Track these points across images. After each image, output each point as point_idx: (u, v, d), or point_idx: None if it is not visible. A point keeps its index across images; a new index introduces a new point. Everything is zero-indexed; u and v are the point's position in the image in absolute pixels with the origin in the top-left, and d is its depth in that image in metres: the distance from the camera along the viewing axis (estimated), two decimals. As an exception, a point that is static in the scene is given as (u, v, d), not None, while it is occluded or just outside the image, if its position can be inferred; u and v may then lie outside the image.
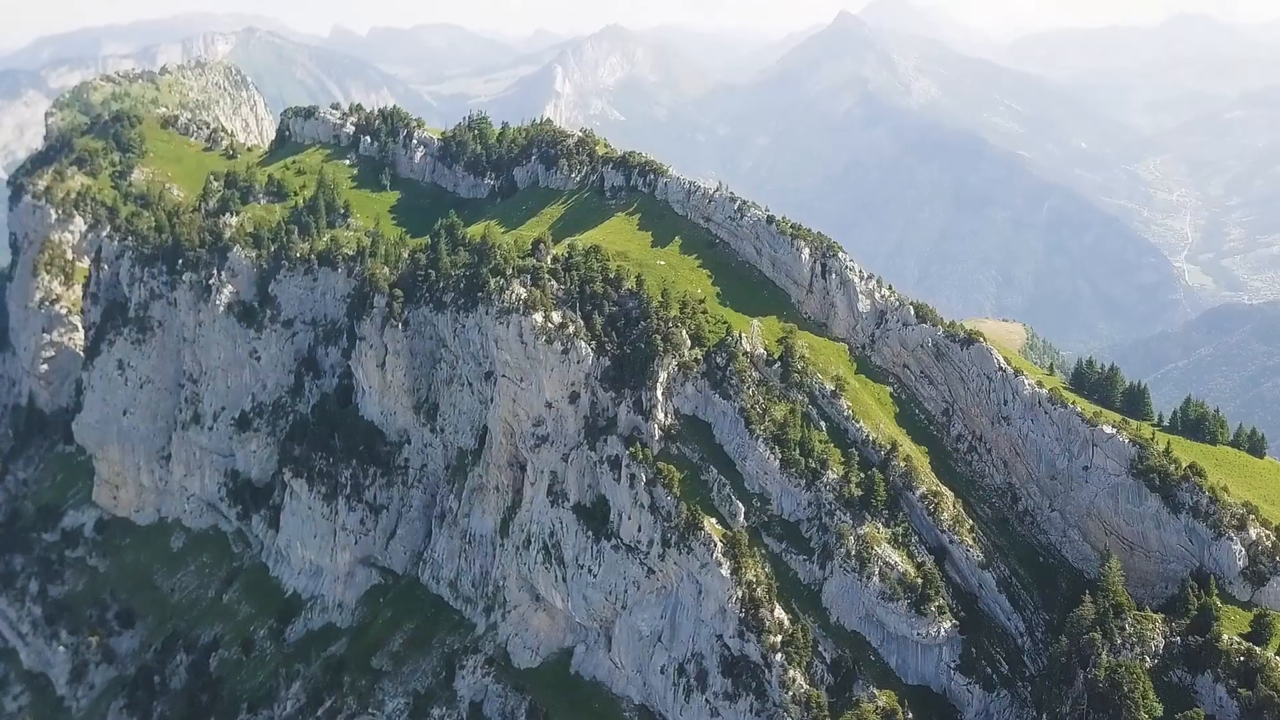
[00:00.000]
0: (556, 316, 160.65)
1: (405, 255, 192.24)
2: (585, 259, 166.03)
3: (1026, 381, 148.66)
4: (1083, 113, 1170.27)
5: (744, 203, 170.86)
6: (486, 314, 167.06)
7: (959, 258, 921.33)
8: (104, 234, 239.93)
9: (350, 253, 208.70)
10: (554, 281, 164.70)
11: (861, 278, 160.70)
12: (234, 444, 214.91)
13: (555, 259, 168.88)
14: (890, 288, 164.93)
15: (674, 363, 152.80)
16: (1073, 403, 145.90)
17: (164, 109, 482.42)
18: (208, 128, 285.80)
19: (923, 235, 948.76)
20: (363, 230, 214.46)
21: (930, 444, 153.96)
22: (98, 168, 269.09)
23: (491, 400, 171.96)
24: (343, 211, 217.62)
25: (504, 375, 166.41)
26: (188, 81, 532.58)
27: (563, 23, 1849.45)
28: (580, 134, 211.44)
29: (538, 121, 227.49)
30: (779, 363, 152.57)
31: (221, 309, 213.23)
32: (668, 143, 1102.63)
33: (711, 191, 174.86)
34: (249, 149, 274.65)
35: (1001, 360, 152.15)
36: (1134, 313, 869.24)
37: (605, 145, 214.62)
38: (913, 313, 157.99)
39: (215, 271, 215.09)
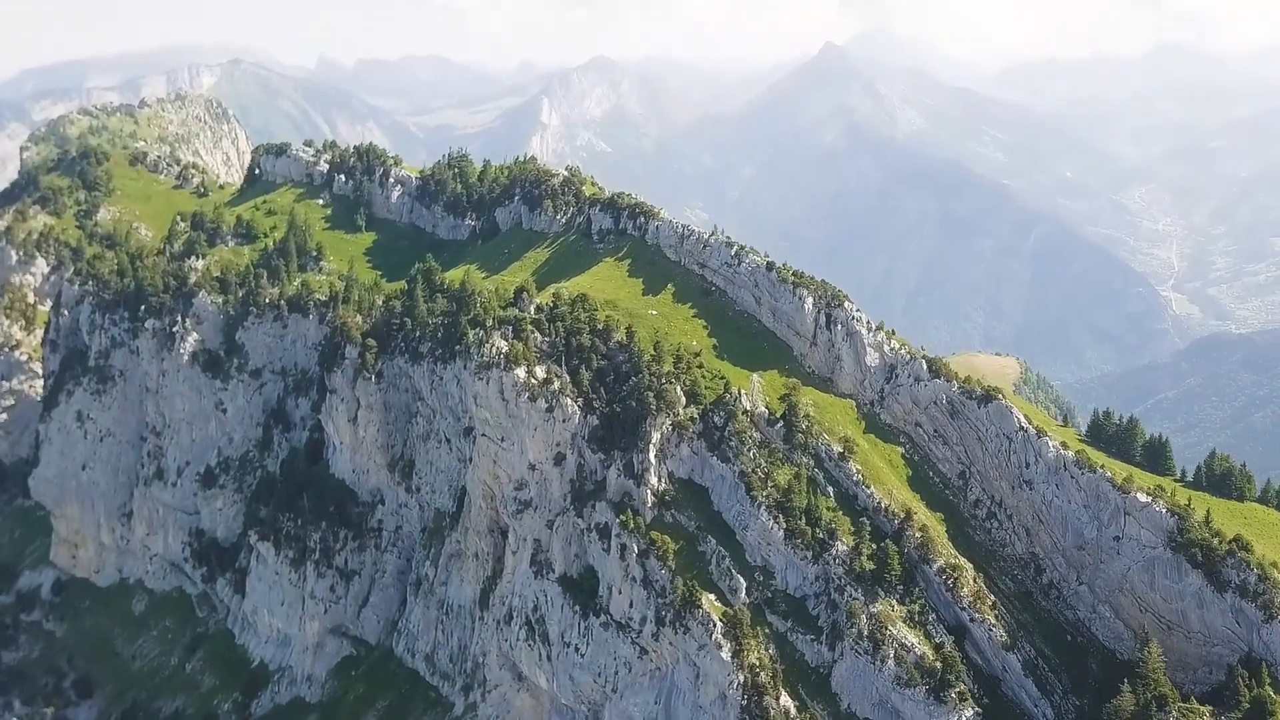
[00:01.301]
0: (540, 372, 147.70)
1: (379, 302, 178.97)
2: (571, 309, 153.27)
3: (1050, 443, 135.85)
4: (1067, 142, 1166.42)
5: (741, 248, 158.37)
6: (465, 368, 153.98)
7: (946, 287, 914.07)
8: (65, 277, 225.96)
9: (322, 298, 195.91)
10: (538, 334, 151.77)
11: (869, 329, 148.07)
12: (199, 501, 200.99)
13: (539, 309, 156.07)
14: (893, 332, 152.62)
15: (668, 422, 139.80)
16: (1101, 466, 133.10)
17: (141, 143, 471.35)
18: (178, 164, 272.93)
19: (909, 264, 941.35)
20: (336, 274, 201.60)
21: (946, 510, 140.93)
22: (62, 206, 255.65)
23: (470, 460, 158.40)
24: (315, 254, 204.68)
25: (484, 434, 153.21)
26: (167, 115, 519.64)
27: (549, 54, 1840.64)
28: (566, 173, 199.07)
29: (521, 159, 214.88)
30: (782, 422, 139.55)
31: (186, 358, 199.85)
32: (654, 173, 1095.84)
33: (706, 236, 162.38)
34: (221, 186, 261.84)
35: (1022, 419, 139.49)
36: (1122, 342, 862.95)
37: (593, 184, 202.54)
38: (925, 367, 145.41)
39: (179, 318, 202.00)
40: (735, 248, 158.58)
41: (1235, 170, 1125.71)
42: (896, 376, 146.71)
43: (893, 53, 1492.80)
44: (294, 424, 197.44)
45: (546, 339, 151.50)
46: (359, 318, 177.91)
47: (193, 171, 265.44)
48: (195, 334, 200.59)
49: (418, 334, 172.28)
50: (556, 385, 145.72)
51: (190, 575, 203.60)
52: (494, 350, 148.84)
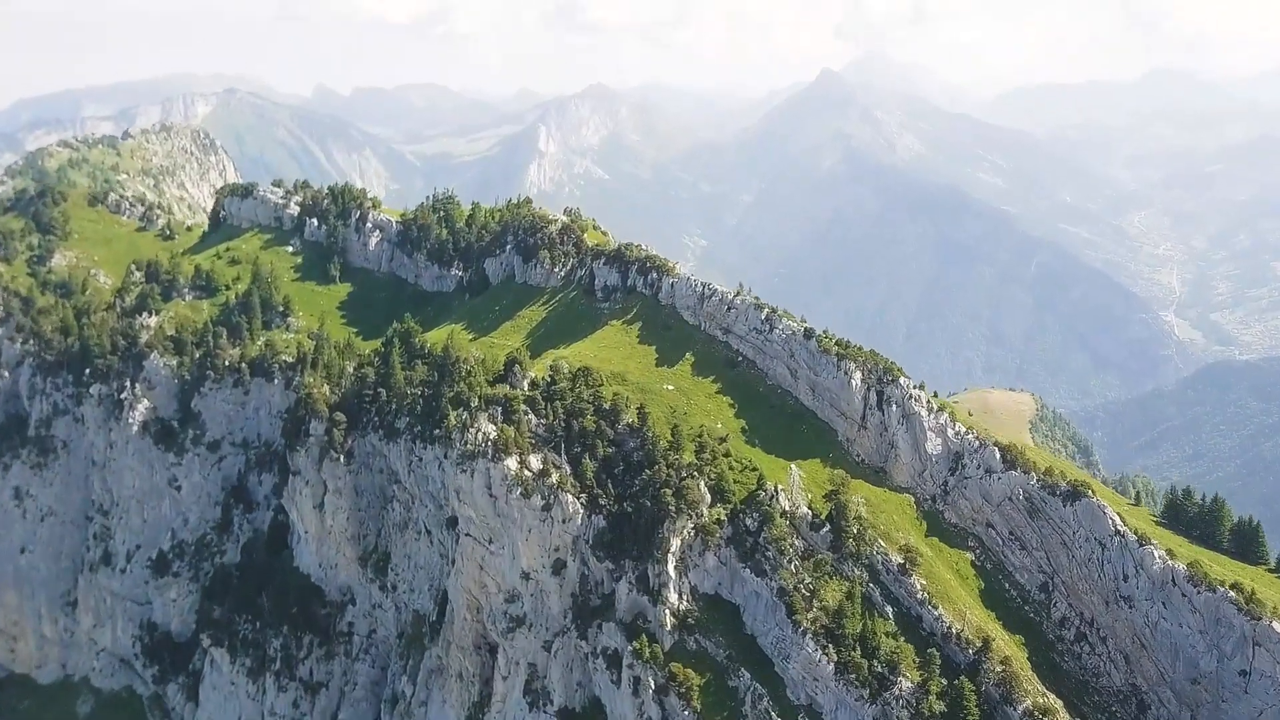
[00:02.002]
0: (535, 462, 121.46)
1: (350, 369, 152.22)
2: (572, 384, 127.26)
3: (1155, 552, 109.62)
4: (1065, 167, 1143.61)
5: (773, 310, 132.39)
6: (446, 458, 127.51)
7: (946, 314, 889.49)
8: (5, 335, 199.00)
9: (289, 359, 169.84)
10: (532, 415, 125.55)
11: (929, 409, 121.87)
12: (150, 590, 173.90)
13: (534, 384, 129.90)
14: (949, 412, 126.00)
15: (690, 525, 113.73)
16: (1223, 584, 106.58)
17: (124, 176, 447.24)
18: (142, 204, 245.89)
19: (909, 292, 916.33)
20: (305, 332, 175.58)
21: (1026, 631, 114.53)
22: (14, 251, 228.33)
23: (453, 562, 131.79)
24: (282, 309, 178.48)
25: (468, 533, 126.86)
26: (151, 146, 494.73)
27: (545, 82, 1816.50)
28: (564, 218, 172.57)
29: (514, 201, 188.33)
30: (829, 526, 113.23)
31: (135, 428, 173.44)
32: (652, 201, 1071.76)
33: (730, 296, 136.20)
34: (189, 228, 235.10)
35: (1118, 521, 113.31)
36: (1125, 368, 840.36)
37: (595, 228, 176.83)
38: (998, 455, 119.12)
39: (129, 383, 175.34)
40: (765, 310, 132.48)
41: (1233, 194, 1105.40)
42: (963, 466, 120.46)
43: (889, 79, 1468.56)
44: (256, 503, 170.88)
45: (543, 421, 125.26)
46: (326, 388, 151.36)
47: (157, 212, 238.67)
48: (146, 401, 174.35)
49: (394, 407, 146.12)
50: (555, 478, 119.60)
51: (141, 674, 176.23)
52: (480, 436, 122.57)
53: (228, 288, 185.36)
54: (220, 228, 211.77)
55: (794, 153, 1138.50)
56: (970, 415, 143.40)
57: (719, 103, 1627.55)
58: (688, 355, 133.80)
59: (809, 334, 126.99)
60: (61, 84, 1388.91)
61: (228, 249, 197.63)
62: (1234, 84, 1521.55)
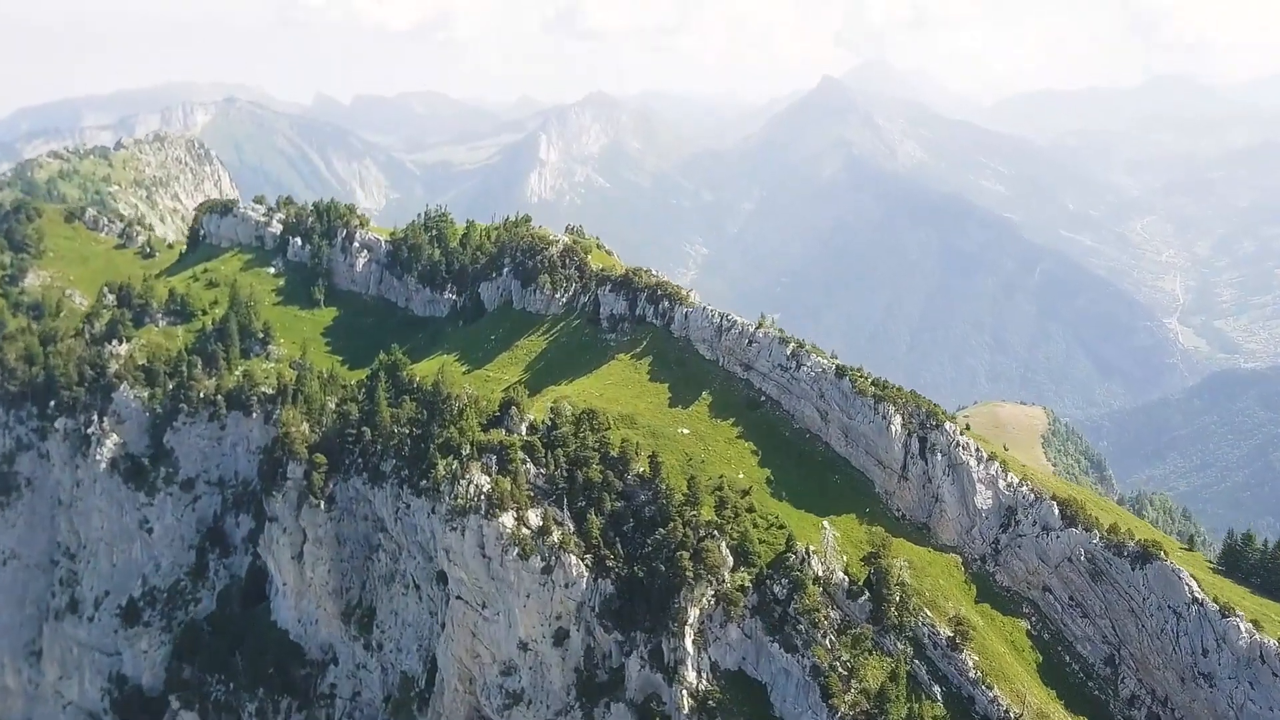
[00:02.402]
0: (534, 518, 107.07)
1: (332, 406, 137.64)
2: (576, 429, 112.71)
3: (1241, 625, 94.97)
4: (1067, 173, 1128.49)
5: (800, 345, 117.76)
6: (434, 513, 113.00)
7: (949, 323, 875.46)
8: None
9: (269, 391, 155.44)
10: (530, 464, 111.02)
11: (978, 458, 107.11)
12: (120, 640, 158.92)
13: (533, 428, 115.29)
14: (1000, 461, 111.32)
15: (710, 593, 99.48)
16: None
17: (115, 187, 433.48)
18: (121, 220, 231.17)
19: (912, 300, 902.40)
20: (286, 361, 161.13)
21: (1091, 710, 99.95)
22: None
23: (444, 626, 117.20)
24: (261, 336, 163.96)
25: (459, 596, 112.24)
26: (145, 156, 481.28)
27: (546, 90, 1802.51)
28: (566, 239, 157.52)
29: (512, 219, 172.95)
30: (868, 594, 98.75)
31: (104, 465, 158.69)
32: (653, 209, 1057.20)
33: (751, 328, 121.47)
34: (170, 245, 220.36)
35: (1195, 587, 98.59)
36: (1130, 377, 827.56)
37: (599, 248, 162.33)
38: (1056, 510, 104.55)
39: (97, 416, 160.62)
40: (791, 345, 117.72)
41: (1235, 200, 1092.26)
42: (1017, 523, 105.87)
43: (890, 86, 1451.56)
44: (234, 547, 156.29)
45: (542, 471, 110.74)
46: (305, 426, 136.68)
47: (137, 229, 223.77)
48: (115, 436, 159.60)
49: (379, 448, 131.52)
50: (556, 537, 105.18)
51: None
52: (472, 489, 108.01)
53: (204, 312, 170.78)
54: (199, 247, 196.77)
55: (795, 160, 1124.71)
56: (1006, 450, 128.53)
57: (720, 110, 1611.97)
58: (704, 394, 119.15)
59: (841, 372, 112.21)
60: (61, 93, 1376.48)
61: (205, 270, 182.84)
62: (1234, 89, 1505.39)
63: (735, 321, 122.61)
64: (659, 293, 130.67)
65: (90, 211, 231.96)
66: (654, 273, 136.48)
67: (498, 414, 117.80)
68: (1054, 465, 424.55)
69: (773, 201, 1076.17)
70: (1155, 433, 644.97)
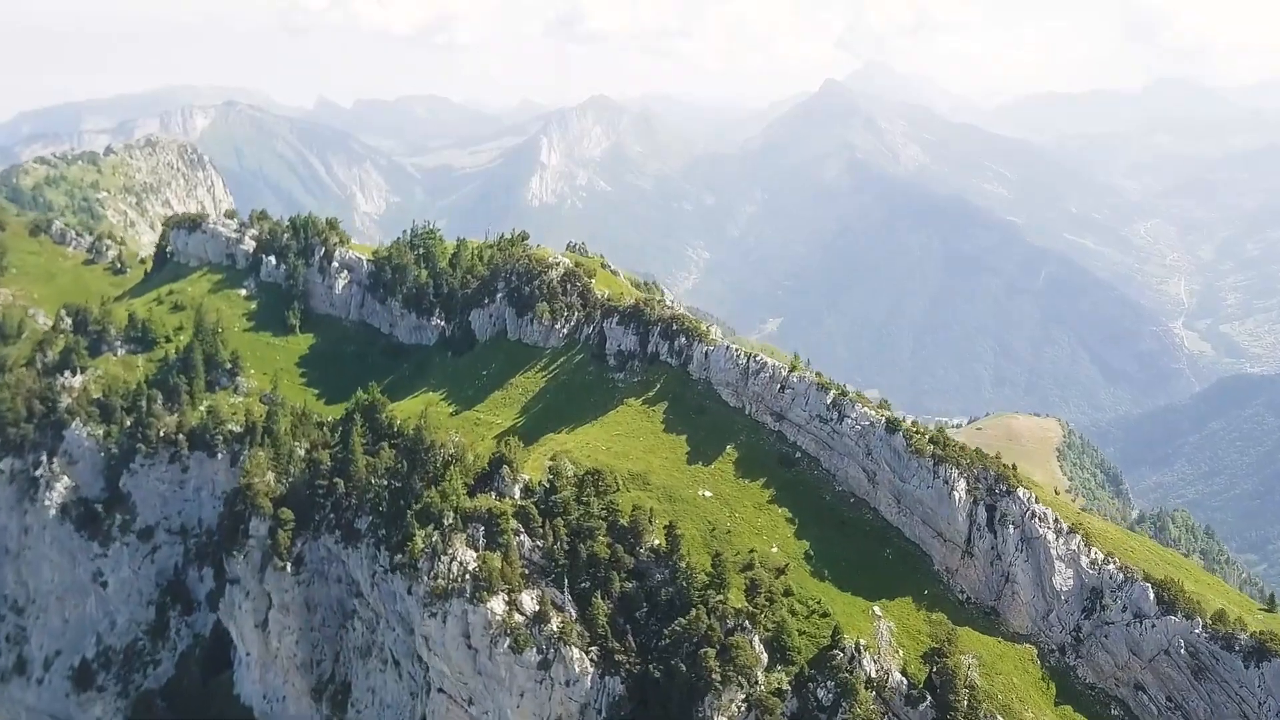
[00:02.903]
0: (529, 601, 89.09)
1: (301, 453, 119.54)
2: (579, 491, 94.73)
3: (1389, 742, 76.55)
4: (1070, 177, 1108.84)
5: (842, 392, 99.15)
6: (410, 593, 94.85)
7: (953, 327, 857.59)
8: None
9: (236, 429, 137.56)
10: (525, 535, 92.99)
11: (1059, 531, 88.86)
12: (72, 705, 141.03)
13: (527, 490, 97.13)
14: (1083, 534, 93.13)
15: (740, 698, 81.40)
16: None
17: (104, 194, 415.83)
18: (90, 234, 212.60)
19: (915, 304, 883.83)
20: (256, 394, 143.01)
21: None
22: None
23: (424, 719, 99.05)
24: (229, 366, 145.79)
25: (441, 689, 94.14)
26: (135, 162, 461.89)
27: (547, 94, 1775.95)
28: (568, 260, 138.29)
29: (508, 237, 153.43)
30: (929, 699, 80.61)
31: (54, 511, 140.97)
32: (654, 212, 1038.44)
33: (783, 371, 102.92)
34: (141, 260, 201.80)
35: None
36: (1136, 381, 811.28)
37: (605, 267, 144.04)
38: (1150, 594, 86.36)
39: (46, 457, 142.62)
40: (833, 392, 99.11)
41: (1240, 203, 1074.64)
42: (1103, 608, 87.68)
43: (892, 89, 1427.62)
44: (197, 603, 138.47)
45: (539, 545, 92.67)
46: (270, 475, 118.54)
47: (108, 243, 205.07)
48: (66, 478, 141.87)
49: (353, 502, 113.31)
50: (555, 625, 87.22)
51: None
52: (455, 567, 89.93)
53: (168, 339, 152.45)
54: (166, 265, 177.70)
55: (797, 163, 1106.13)
56: (1059, 496, 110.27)
57: (721, 113, 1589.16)
58: (729, 449, 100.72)
59: (893, 426, 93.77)
60: (63, 97, 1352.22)
61: (170, 292, 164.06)
62: (1236, 92, 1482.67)
63: (765, 363, 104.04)
64: (674, 327, 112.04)
65: (57, 224, 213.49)
66: (669, 304, 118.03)
67: (487, 470, 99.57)
68: (1070, 480, 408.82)
69: (775, 205, 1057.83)
70: (1163, 439, 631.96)
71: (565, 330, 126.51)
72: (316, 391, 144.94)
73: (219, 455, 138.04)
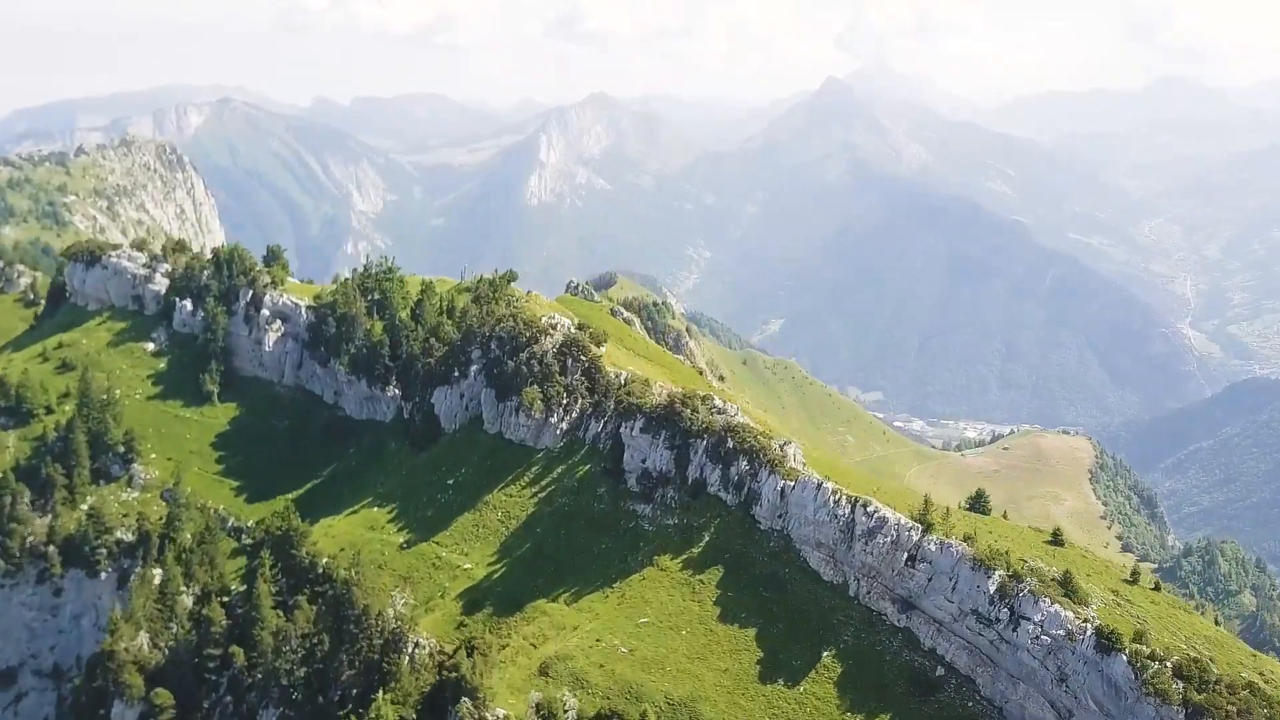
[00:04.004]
0: None
1: (187, 606, 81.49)
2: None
3: None
4: (1073, 176, 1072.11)
5: (1011, 571, 60.16)
6: None
7: (959, 329, 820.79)
8: None
9: (128, 538, 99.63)
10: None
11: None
12: None
13: (504, 726, 58.73)
14: None
15: None
16: None
17: (72, 198, 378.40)
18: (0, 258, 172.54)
19: (920, 305, 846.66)
20: (158, 489, 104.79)
21: None
22: None
23: None
24: (123, 450, 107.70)
25: None
26: (108, 163, 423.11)
27: (547, 91, 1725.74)
28: (570, 322, 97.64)
29: (491, 279, 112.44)
30: None
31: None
32: (654, 212, 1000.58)
33: (915, 534, 63.97)
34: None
35: None
36: (1145, 385, 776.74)
37: (625, 321, 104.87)
38: None
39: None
40: (998, 575, 60.23)
41: (1243, 203, 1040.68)
42: None
43: (893, 88, 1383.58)
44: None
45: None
46: (143, 637, 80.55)
47: (19, 269, 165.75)
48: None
49: (259, 680, 75.41)
50: None
51: None
52: None
53: (49, 410, 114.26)
54: (62, 306, 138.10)
55: (799, 163, 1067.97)
56: None
57: (722, 112, 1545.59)
58: (826, 658, 62.69)
59: (1106, 643, 55.17)
60: (60, 94, 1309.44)
61: (60, 345, 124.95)
62: (1238, 92, 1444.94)
63: (882, 516, 65.25)
64: (730, 444, 72.95)
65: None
66: (718, 401, 78.64)
67: (447, 675, 61.18)
68: (1105, 504, 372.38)
69: (776, 205, 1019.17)
70: (1174, 444, 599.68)
71: (564, 425, 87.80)
72: (236, 484, 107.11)
73: (103, 574, 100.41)
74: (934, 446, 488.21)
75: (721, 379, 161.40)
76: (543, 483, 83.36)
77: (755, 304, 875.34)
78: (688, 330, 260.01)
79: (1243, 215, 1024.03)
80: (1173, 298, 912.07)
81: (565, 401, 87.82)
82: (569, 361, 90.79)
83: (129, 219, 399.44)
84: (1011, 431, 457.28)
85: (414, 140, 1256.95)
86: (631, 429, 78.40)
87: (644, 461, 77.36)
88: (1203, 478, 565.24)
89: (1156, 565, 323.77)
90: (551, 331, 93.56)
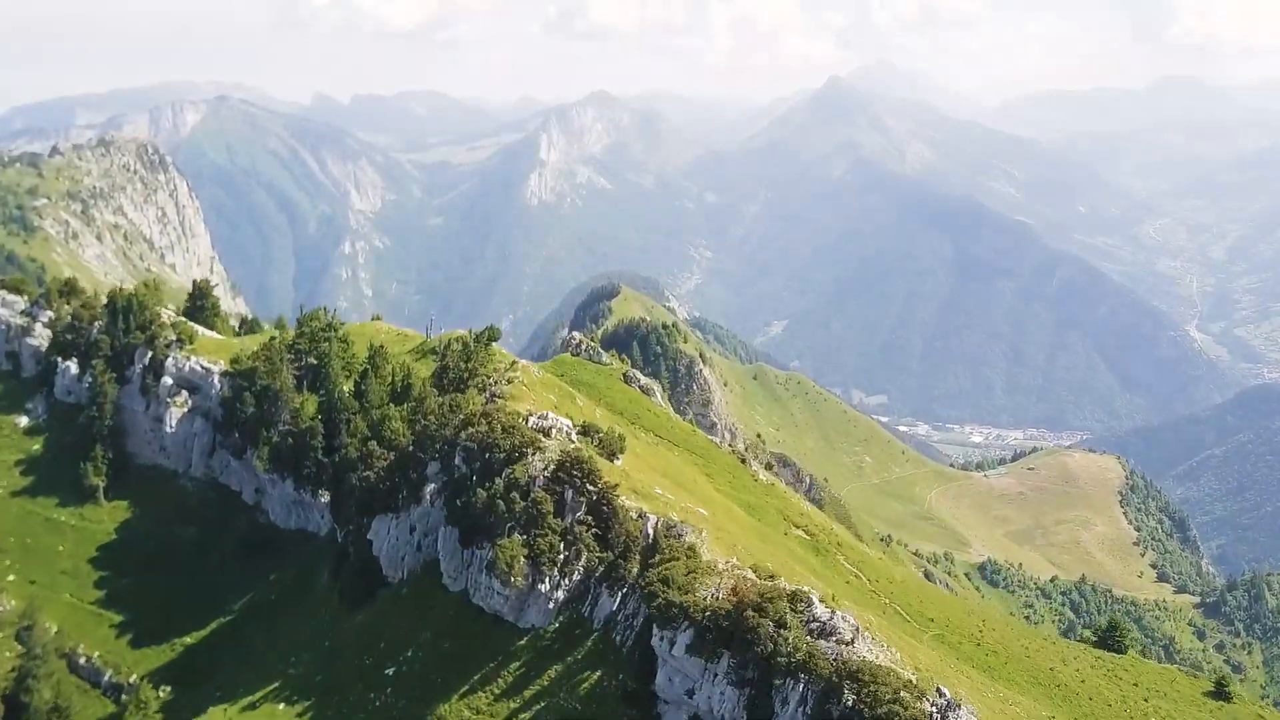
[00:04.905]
0: None
1: None
2: None
3: None
4: (1077, 176, 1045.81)
5: None
6: None
7: (965, 331, 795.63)
8: None
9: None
10: None
11: None
12: None
13: None
14: None
15: None
16: None
17: (42, 201, 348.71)
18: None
19: (925, 307, 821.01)
20: (11, 625, 75.09)
21: None
22: None
23: None
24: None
25: None
26: (84, 164, 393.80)
27: (548, 89, 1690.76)
28: (570, 430, 64.81)
29: (458, 343, 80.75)
30: None
31: None
32: (656, 211, 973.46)
33: None
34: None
35: None
36: (1154, 389, 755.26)
37: (641, 407, 74.40)
38: None
39: None
40: None
41: (1248, 204, 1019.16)
42: None
43: (896, 86, 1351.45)
44: None
45: None
46: None
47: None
48: None
49: None
50: None
51: None
52: None
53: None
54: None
55: (802, 162, 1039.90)
56: None
57: (724, 111, 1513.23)
58: None
59: None
60: (58, 91, 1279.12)
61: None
62: (1243, 92, 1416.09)
63: None
64: (849, 701, 42.08)
65: None
66: (824, 613, 46.29)
67: None
68: (1137, 529, 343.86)
69: (779, 204, 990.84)
70: (1186, 451, 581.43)
71: (560, 594, 56.98)
72: (121, 619, 77.90)
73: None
74: (949, 460, 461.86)
75: (769, 467, 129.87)
76: (526, 691, 53.30)
77: (757, 305, 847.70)
78: (701, 356, 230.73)
79: (1249, 216, 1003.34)
80: (1179, 299, 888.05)
81: (563, 557, 56.85)
82: (568, 494, 58.53)
83: (105, 223, 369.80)
84: (1032, 449, 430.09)
85: (413, 138, 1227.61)
86: (672, 643, 47.83)
87: (691, 695, 46.89)
88: (1216, 486, 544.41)
89: (1199, 599, 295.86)
90: (543, 443, 62.12)
